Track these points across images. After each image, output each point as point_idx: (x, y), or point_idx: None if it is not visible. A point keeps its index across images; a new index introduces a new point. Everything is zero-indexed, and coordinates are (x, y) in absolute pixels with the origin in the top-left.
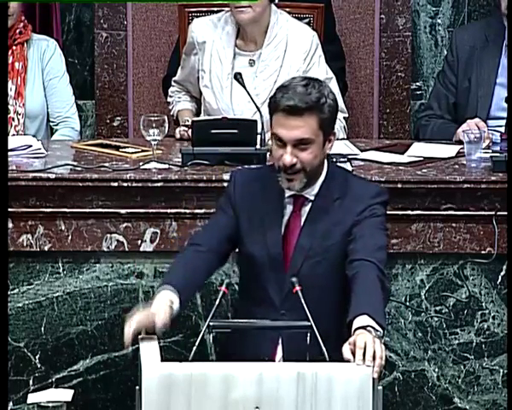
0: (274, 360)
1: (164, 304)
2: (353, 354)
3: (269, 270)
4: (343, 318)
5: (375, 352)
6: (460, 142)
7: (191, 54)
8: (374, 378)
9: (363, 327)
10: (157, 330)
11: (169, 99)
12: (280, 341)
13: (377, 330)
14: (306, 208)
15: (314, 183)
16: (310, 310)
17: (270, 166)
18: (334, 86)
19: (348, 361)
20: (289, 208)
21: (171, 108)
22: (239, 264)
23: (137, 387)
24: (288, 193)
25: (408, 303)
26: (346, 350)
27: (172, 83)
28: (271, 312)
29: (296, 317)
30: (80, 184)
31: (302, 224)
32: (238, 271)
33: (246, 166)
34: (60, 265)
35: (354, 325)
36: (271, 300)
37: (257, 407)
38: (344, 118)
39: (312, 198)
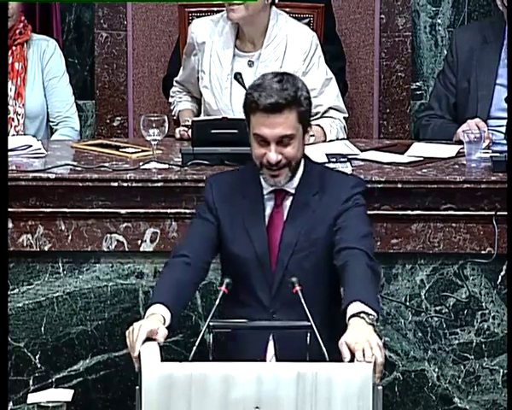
0: (265, 360)
1: (158, 320)
2: (352, 353)
3: (256, 269)
4: (333, 312)
5: (374, 355)
6: (460, 142)
7: (191, 54)
8: (374, 376)
9: (357, 314)
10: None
11: (170, 99)
12: (271, 340)
13: (370, 315)
14: (287, 203)
15: (295, 176)
16: (299, 306)
17: (246, 168)
18: (333, 86)
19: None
20: (270, 204)
21: (172, 108)
22: (223, 268)
23: (137, 387)
24: (267, 189)
25: (408, 303)
26: (344, 348)
27: (174, 83)
28: (261, 312)
29: (286, 315)
30: (80, 184)
31: (284, 219)
32: (221, 275)
33: (220, 172)
34: (60, 265)
35: (348, 313)
36: (260, 300)
37: (257, 407)
38: (344, 118)
39: (292, 191)
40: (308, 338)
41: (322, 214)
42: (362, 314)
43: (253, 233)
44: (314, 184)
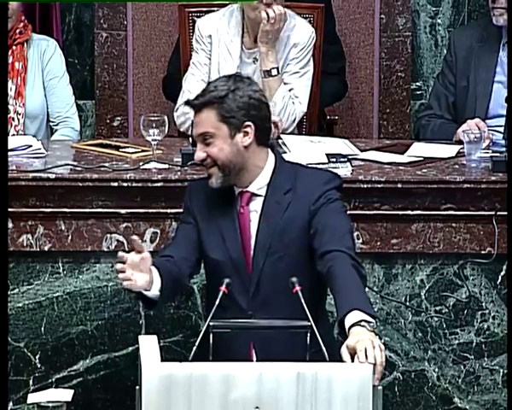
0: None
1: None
2: (352, 357)
3: (232, 273)
4: (313, 313)
5: (375, 356)
6: (460, 142)
7: (199, 49)
8: (373, 377)
9: (357, 323)
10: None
11: (178, 120)
12: (252, 344)
13: (370, 322)
14: (257, 204)
15: (250, 177)
16: (278, 309)
17: None
18: (306, 80)
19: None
20: (238, 206)
21: (180, 124)
22: (205, 272)
23: (137, 387)
24: (235, 192)
25: (408, 303)
26: (344, 353)
27: (182, 105)
28: (239, 315)
29: (263, 317)
30: (80, 184)
31: (258, 221)
32: (206, 278)
33: (201, 177)
34: (60, 265)
35: (347, 323)
36: (238, 303)
37: (257, 407)
38: (301, 111)
39: (260, 193)
40: (308, 338)
41: (295, 213)
42: (363, 322)
43: (227, 237)
44: (286, 182)
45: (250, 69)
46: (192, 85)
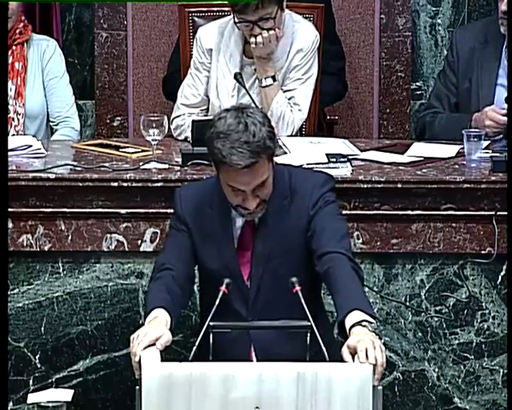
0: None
1: (163, 325)
2: (353, 357)
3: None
4: (313, 313)
5: (376, 356)
6: (468, 137)
7: (202, 68)
8: (373, 377)
9: (358, 323)
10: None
11: (175, 133)
12: (252, 346)
13: (371, 323)
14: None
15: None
16: (277, 313)
17: (215, 179)
18: (308, 88)
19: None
20: (240, 221)
21: (179, 132)
22: (200, 279)
23: (137, 387)
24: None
25: (408, 303)
26: (345, 353)
27: (180, 108)
28: (238, 322)
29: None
30: (80, 184)
31: (256, 229)
32: (199, 286)
33: (190, 183)
34: (60, 265)
35: (348, 323)
36: (237, 311)
37: (257, 407)
38: (300, 119)
39: None
40: (308, 338)
41: (295, 219)
42: (364, 323)
43: (222, 248)
44: (284, 188)
45: (251, 78)
46: (189, 101)
